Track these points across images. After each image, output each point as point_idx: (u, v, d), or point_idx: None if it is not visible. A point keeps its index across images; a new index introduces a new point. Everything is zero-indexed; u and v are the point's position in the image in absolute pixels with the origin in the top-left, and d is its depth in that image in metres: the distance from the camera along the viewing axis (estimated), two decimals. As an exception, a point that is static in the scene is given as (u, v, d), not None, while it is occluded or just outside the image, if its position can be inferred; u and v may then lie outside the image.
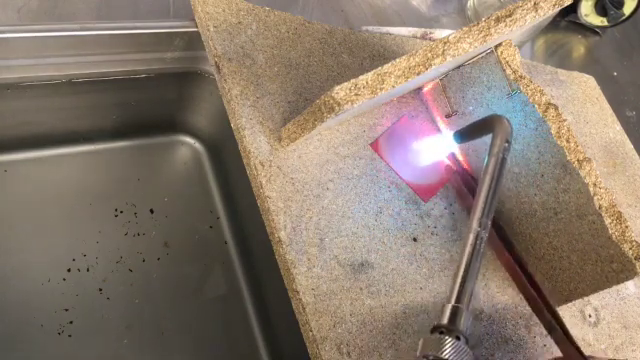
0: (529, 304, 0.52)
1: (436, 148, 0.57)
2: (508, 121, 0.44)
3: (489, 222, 0.40)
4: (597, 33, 0.93)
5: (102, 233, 0.64)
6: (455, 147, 0.57)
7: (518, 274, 0.52)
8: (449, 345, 0.35)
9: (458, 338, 0.35)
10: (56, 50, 0.54)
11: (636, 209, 0.67)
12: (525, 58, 0.78)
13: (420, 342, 0.36)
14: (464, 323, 0.36)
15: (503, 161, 0.42)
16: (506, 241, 0.54)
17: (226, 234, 0.70)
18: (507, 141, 0.43)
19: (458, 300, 0.37)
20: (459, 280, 0.37)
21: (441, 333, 0.36)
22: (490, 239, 0.54)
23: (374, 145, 0.53)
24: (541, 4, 0.46)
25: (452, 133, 0.54)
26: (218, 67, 0.50)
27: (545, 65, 0.74)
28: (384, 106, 0.57)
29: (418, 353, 0.36)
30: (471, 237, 0.39)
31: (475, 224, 0.39)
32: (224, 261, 0.69)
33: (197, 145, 0.73)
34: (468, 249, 0.38)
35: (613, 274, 0.47)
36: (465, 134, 0.52)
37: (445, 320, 0.36)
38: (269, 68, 0.52)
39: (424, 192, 0.53)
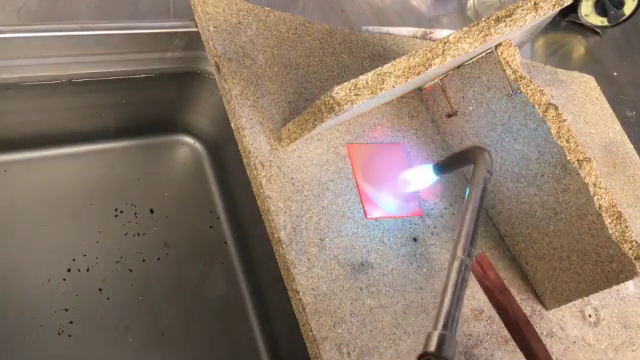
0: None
1: (412, 180, 0.54)
2: (488, 152, 0.44)
3: (474, 250, 0.40)
4: (597, 33, 0.93)
5: (102, 233, 0.64)
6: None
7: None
8: None
9: None
10: (56, 50, 0.54)
11: (636, 209, 0.67)
12: (525, 58, 0.78)
13: None
14: (451, 350, 0.36)
15: (484, 190, 0.43)
16: None
17: (226, 234, 0.70)
18: (488, 171, 0.44)
19: (445, 327, 0.37)
20: (446, 308, 0.38)
21: None
22: None
23: (351, 147, 0.52)
24: (541, 4, 0.46)
25: (431, 165, 0.52)
26: (218, 67, 0.50)
27: (545, 65, 0.74)
28: (384, 106, 0.57)
29: None
30: (456, 265, 0.39)
31: (460, 252, 0.40)
32: (224, 261, 0.69)
33: (197, 145, 0.73)
34: (453, 277, 0.39)
35: (613, 274, 0.47)
36: (445, 166, 0.52)
37: (432, 348, 0.37)
38: (269, 68, 0.52)
39: (371, 208, 0.51)
